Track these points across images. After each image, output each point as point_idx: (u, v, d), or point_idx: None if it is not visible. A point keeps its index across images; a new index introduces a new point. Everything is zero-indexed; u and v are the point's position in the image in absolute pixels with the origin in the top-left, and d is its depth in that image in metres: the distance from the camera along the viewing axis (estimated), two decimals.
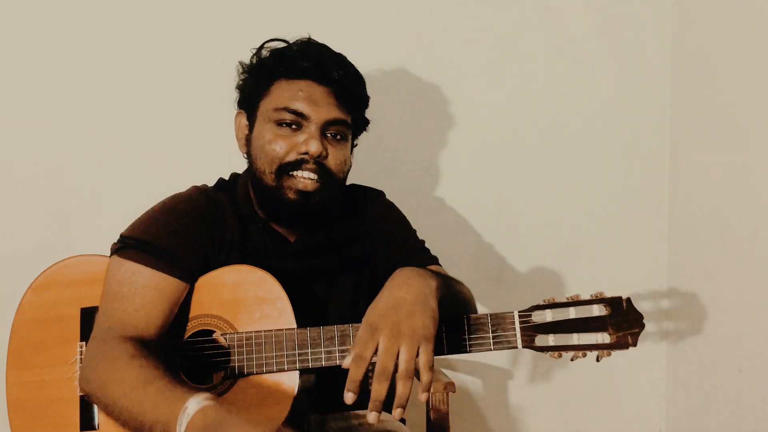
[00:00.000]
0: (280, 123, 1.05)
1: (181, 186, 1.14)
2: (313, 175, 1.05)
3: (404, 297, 0.88)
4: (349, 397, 0.81)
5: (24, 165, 1.58)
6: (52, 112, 1.57)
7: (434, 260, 1.19)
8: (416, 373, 0.86)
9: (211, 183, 1.18)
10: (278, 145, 1.04)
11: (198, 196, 1.10)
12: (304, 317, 1.01)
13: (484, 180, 1.71)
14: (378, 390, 0.82)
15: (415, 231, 1.23)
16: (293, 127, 1.05)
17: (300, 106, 1.04)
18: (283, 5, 1.61)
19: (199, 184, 1.15)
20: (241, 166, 1.19)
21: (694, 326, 1.64)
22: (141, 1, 1.58)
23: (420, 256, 1.18)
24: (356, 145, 1.18)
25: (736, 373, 1.49)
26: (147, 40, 1.59)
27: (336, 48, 1.12)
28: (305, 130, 1.05)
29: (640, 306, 1.69)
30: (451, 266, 1.69)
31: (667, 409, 1.77)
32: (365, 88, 1.13)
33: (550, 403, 1.75)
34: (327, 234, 1.14)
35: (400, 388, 0.83)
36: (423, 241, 1.22)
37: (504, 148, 1.72)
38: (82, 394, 0.98)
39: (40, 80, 1.57)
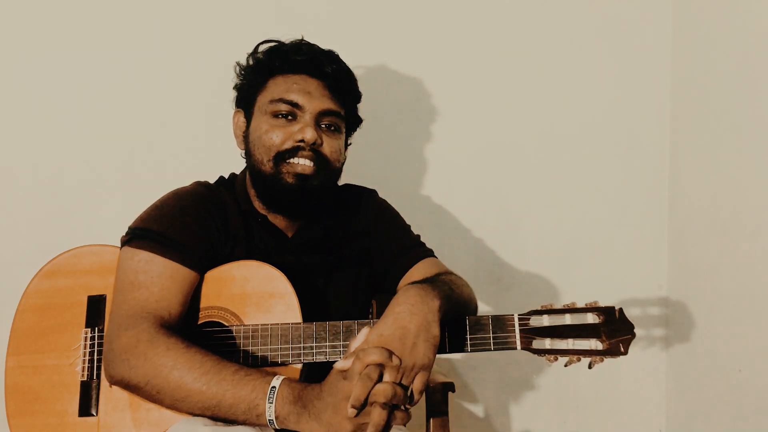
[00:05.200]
0: (276, 114, 1.14)
1: (179, 185, 1.20)
2: (309, 162, 1.13)
3: (408, 327, 0.96)
4: (351, 413, 0.89)
5: (24, 165, 1.63)
6: (52, 113, 1.64)
7: (429, 253, 1.28)
8: None
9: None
10: (275, 135, 1.13)
11: (201, 190, 1.18)
12: (305, 311, 1.09)
13: (484, 180, 1.79)
14: (380, 415, 0.90)
15: (409, 226, 1.32)
16: (289, 118, 1.14)
17: (295, 96, 1.13)
18: (283, 5, 1.69)
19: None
20: (236, 166, 1.28)
21: (694, 326, 1.71)
22: (138, 2, 1.65)
23: (416, 249, 1.27)
24: (350, 144, 1.27)
25: (736, 373, 1.55)
26: (146, 41, 1.66)
27: (337, 49, 1.21)
28: (300, 120, 1.14)
29: (641, 305, 1.83)
30: (451, 267, 1.74)
31: (667, 409, 1.83)
32: (356, 84, 1.23)
33: (550, 403, 1.83)
34: (323, 230, 1.23)
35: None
36: (418, 236, 1.31)
37: (504, 149, 1.79)
38: (114, 380, 1.01)
39: (39, 80, 1.63)
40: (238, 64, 1.22)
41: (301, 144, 1.12)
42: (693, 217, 1.71)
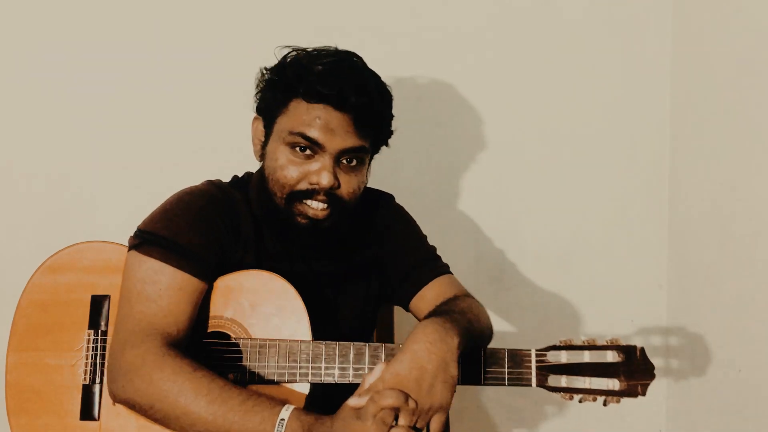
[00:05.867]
0: (294, 146, 1.06)
1: (181, 185, 1.16)
2: (323, 205, 1.08)
3: (426, 367, 0.93)
4: None
5: (24, 164, 1.60)
6: (52, 112, 1.60)
7: (446, 269, 1.24)
8: None
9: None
10: (290, 171, 1.06)
11: (214, 190, 1.13)
12: (314, 321, 1.06)
13: (484, 180, 1.76)
14: None
15: (425, 237, 1.28)
16: (307, 152, 1.06)
17: (315, 134, 1.04)
18: (286, 5, 1.64)
19: (199, 183, 1.17)
20: (240, 166, 1.24)
21: (694, 326, 1.70)
22: (142, 1, 1.60)
23: (432, 264, 1.22)
24: (378, 152, 1.21)
25: (736, 373, 1.55)
26: (149, 38, 1.61)
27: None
28: (319, 159, 1.06)
29: (641, 306, 1.80)
30: (451, 267, 1.70)
31: (667, 409, 1.83)
32: (389, 108, 1.14)
33: (550, 403, 1.82)
34: (337, 238, 1.17)
35: None
36: (434, 248, 1.27)
37: (504, 149, 1.76)
38: (118, 399, 0.99)
39: (40, 78, 1.59)
40: (261, 70, 1.12)
41: (316, 187, 1.05)
42: (693, 217, 1.71)
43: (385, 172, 1.66)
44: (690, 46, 1.71)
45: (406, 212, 1.27)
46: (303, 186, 1.06)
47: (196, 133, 1.62)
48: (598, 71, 1.76)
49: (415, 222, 1.27)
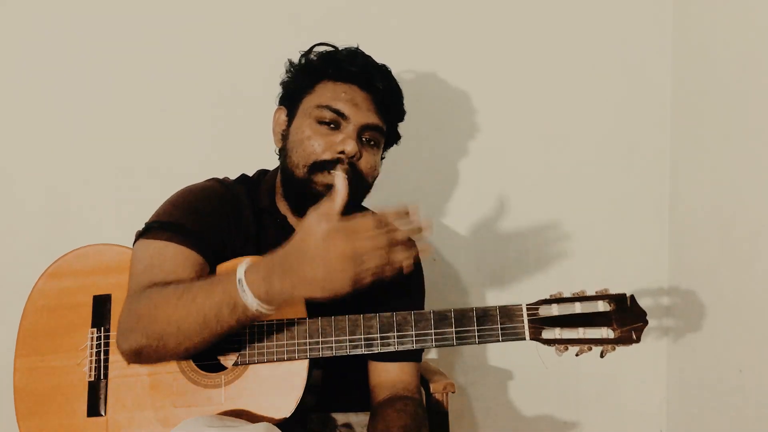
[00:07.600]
0: (320, 121, 1.14)
1: (180, 185, 1.20)
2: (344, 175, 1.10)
3: None
4: None
5: (23, 165, 1.65)
6: (52, 113, 1.65)
7: (418, 356, 1.24)
8: None
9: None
10: (316, 142, 1.13)
11: (214, 185, 1.20)
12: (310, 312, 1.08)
13: (484, 179, 1.78)
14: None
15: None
16: (332, 126, 1.14)
17: (342, 106, 1.13)
18: (286, 6, 1.69)
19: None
20: (240, 168, 1.28)
21: (694, 327, 1.70)
22: (137, 1, 1.66)
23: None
24: (384, 158, 1.27)
25: (737, 373, 1.54)
26: (147, 41, 1.66)
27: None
28: (343, 131, 1.14)
29: (641, 306, 1.74)
30: (451, 266, 1.70)
31: (668, 410, 1.82)
32: (403, 102, 1.24)
33: (550, 403, 1.82)
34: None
35: None
36: None
37: (505, 147, 1.79)
38: (125, 353, 1.02)
39: (39, 80, 1.64)
40: (289, 61, 1.22)
41: (341, 156, 1.11)
42: (694, 217, 1.72)
43: (385, 172, 1.68)
44: (690, 46, 1.73)
45: (422, 269, 1.28)
46: (328, 156, 1.12)
47: (196, 135, 1.66)
48: (599, 71, 1.79)
49: (424, 285, 1.29)
